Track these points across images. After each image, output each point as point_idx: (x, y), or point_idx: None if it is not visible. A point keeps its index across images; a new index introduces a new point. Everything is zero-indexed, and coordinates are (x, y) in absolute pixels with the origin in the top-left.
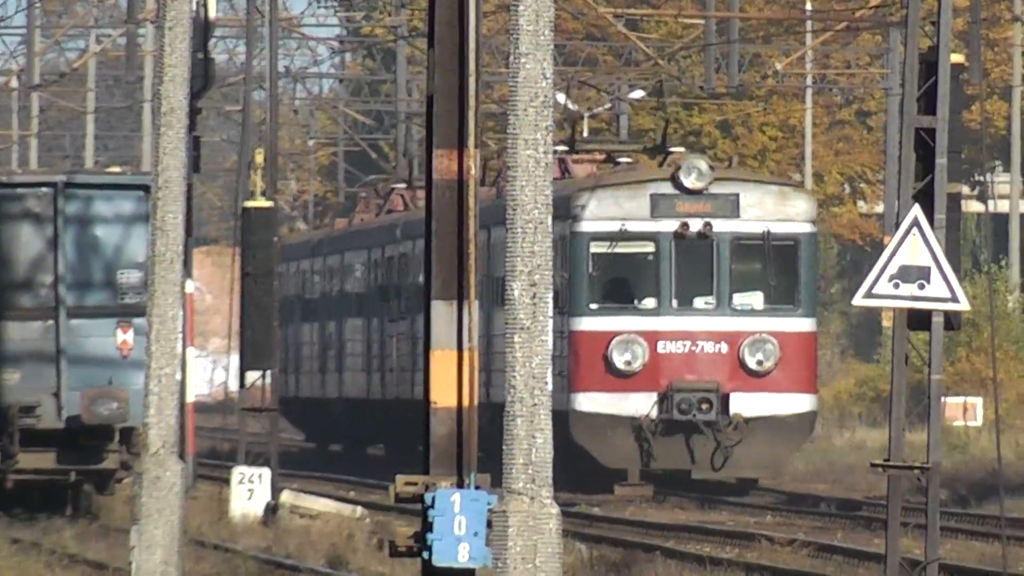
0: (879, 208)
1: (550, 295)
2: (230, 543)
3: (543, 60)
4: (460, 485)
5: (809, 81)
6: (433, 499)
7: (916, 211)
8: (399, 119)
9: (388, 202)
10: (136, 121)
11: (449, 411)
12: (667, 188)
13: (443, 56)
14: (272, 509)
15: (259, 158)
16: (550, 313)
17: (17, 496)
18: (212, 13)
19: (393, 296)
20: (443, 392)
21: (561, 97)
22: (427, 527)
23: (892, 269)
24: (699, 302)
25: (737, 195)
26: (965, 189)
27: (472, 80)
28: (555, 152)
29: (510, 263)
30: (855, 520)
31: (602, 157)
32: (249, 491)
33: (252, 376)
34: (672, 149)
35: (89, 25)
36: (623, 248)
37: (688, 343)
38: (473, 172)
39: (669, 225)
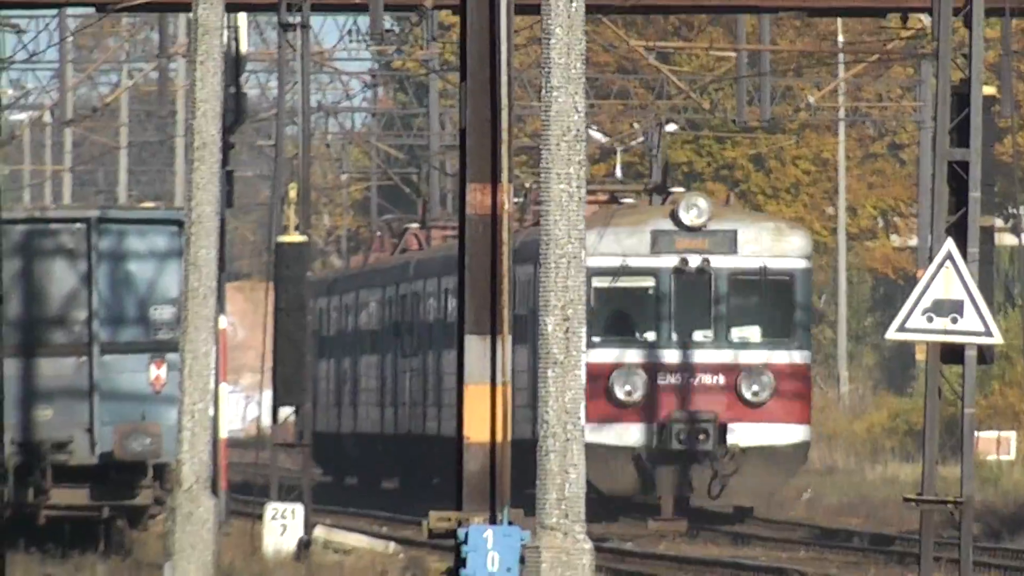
0: (912, 242)
1: (583, 330)
2: None
3: (575, 93)
4: (493, 521)
5: (842, 114)
6: (466, 535)
7: (949, 244)
8: (431, 153)
9: (402, 241)
10: (169, 156)
11: (482, 446)
12: (667, 225)
13: (475, 90)
14: (305, 544)
15: (292, 193)
16: (583, 347)
17: (50, 532)
18: (244, 47)
19: (406, 333)
20: (476, 427)
21: (595, 133)
22: (460, 563)
23: (925, 303)
24: (698, 335)
25: (735, 231)
26: (998, 222)
27: (504, 114)
28: None
29: (543, 297)
30: (888, 555)
31: (605, 197)
32: (282, 527)
33: (284, 411)
34: (672, 189)
35: (121, 60)
36: (624, 283)
37: (687, 375)
38: (506, 206)
39: (669, 261)
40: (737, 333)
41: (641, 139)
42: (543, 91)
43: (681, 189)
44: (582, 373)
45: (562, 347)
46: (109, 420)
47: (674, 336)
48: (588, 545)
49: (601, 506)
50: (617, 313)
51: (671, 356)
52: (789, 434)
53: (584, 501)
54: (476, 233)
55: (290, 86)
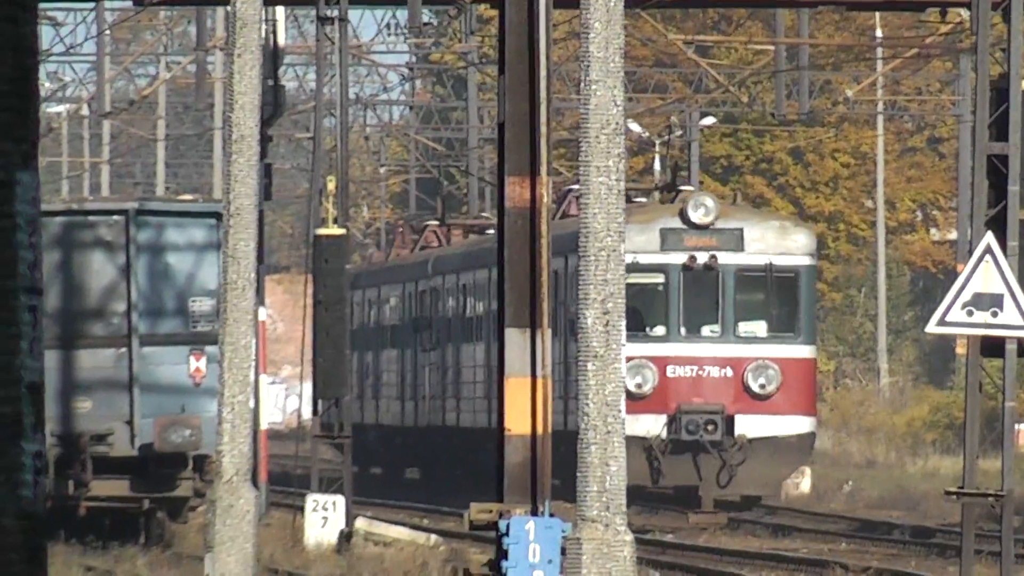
0: (952, 235)
1: (623, 323)
2: (304, 571)
3: (613, 87)
4: (534, 513)
5: (880, 108)
6: (508, 527)
7: (989, 238)
8: (469, 147)
9: (422, 237)
10: (206, 148)
11: (523, 438)
12: (676, 223)
13: (514, 83)
14: (346, 537)
15: (330, 185)
16: (623, 341)
17: (90, 524)
18: (281, 40)
19: (425, 328)
20: (517, 419)
21: (634, 126)
22: (502, 555)
23: (965, 297)
24: (706, 330)
25: (741, 229)
26: None
27: (543, 107)
28: (572, 191)
29: (583, 291)
30: (929, 548)
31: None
32: (323, 519)
33: (324, 403)
34: (682, 188)
35: (159, 53)
36: (635, 279)
37: (695, 368)
38: (545, 200)
39: (678, 258)
40: (744, 328)
41: (679, 133)
42: (582, 85)
43: (690, 188)
44: (622, 366)
45: (602, 340)
46: (149, 412)
47: (683, 330)
48: (629, 537)
49: (643, 498)
50: (628, 308)
51: (680, 350)
52: (795, 425)
53: (625, 493)
54: (515, 226)
55: (328, 79)
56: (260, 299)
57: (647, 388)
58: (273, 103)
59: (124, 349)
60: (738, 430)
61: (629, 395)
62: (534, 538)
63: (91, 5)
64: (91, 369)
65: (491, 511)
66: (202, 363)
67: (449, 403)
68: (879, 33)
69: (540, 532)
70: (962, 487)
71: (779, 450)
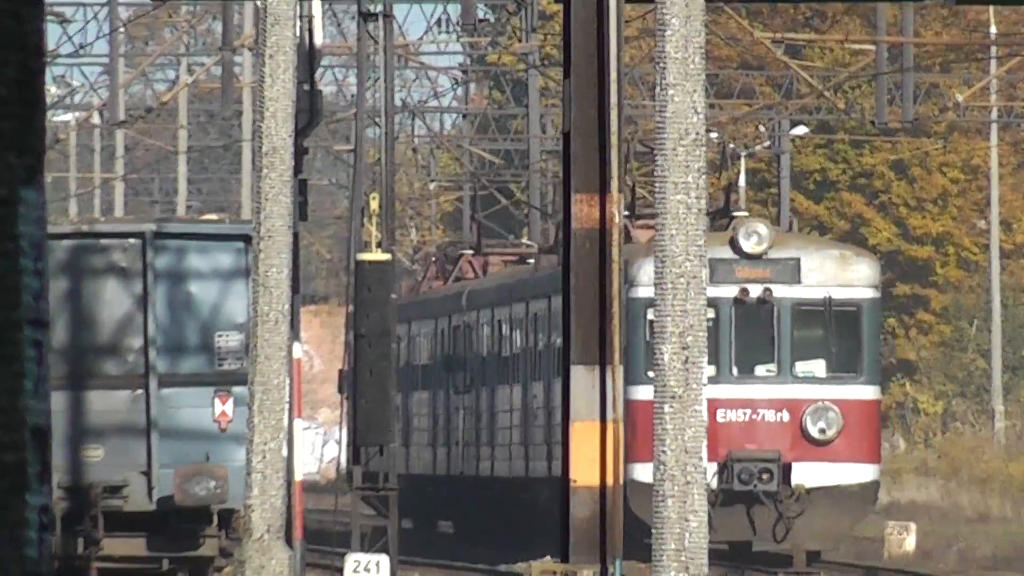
0: None
1: (704, 359)
2: None
3: (693, 92)
4: (604, 573)
5: (994, 115)
6: None
7: None
8: (531, 160)
9: (457, 268)
10: (234, 162)
11: (591, 491)
12: (726, 253)
13: (580, 87)
14: None
15: (373, 204)
16: (704, 380)
17: None
18: (319, 39)
19: (458, 368)
20: (584, 469)
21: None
22: None
23: None
24: (760, 369)
25: (798, 259)
26: None
27: (614, 114)
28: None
29: (659, 323)
30: None
31: None
32: None
33: (367, 451)
34: (736, 213)
35: (179, 53)
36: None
37: (749, 411)
38: (617, 220)
39: (728, 291)
40: (801, 367)
41: (767, 143)
42: (657, 89)
43: (744, 213)
44: (703, 408)
45: (680, 379)
46: (168, 461)
47: (735, 370)
48: None
49: (724, 555)
50: None
51: (732, 391)
52: (857, 474)
53: (707, 552)
54: (582, 250)
55: (371, 83)
56: (295, 333)
57: None
58: (309, 110)
59: (140, 390)
60: (795, 479)
61: None
62: None
63: (103, 0)
64: (103, 412)
65: (555, 571)
66: (229, 406)
67: (483, 450)
68: (993, 29)
69: None
70: None
71: (840, 501)
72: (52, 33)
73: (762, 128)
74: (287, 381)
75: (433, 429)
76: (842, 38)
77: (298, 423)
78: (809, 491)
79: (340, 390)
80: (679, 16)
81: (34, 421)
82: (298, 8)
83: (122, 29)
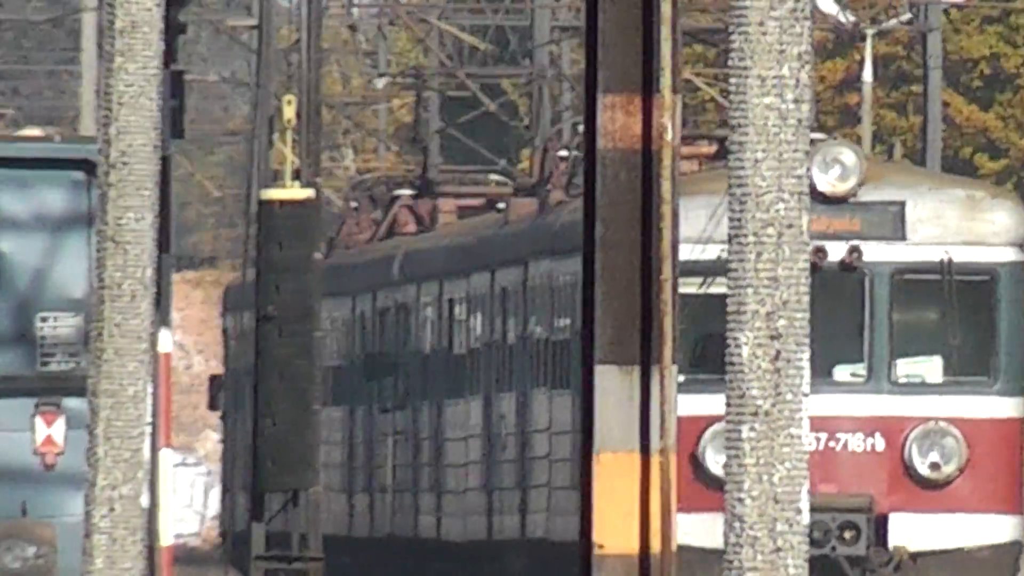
0: None
1: (805, 355)
2: None
3: None
4: None
5: None
6: None
7: None
8: (535, 43)
9: (390, 217)
10: (69, 46)
11: (625, 561)
12: None
13: None
14: None
15: (289, 112)
16: (806, 389)
17: None
18: None
19: (387, 373)
20: (615, 528)
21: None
22: None
23: None
24: (841, 372)
25: (902, 204)
26: None
27: None
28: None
29: (734, 299)
30: None
31: (712, 149)
32: None
33: (275, 500)
34: (814, 136)
35: None
36: (721, 287)
37: (824, 435)
38: (669, 136)
39: None
40: (905, 369)
41: (908, 17)
42: None
43: (821, 136)
44: (804, 432)
45: (769, 386)
46: None
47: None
48: None
49: None
50: (711, 336)
51: None
52: (990, 530)
53: None
54: (614, 182)
55: None
56: (163, 315)
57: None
58: None
59: None
60: (895, 538)
61: (713, 481)
62: None
63: None
64: None
65: None
66: (57, 429)
67: (425, 500)
68: None
69: None
70: None
71: (964, 571)
72: None
73: None
74: (149, 390)
75: (348, 466)
76: None
77: (167, 456)
78: (916, 557)
79: (212, 406)
80: None
81: None
82: None
83: None
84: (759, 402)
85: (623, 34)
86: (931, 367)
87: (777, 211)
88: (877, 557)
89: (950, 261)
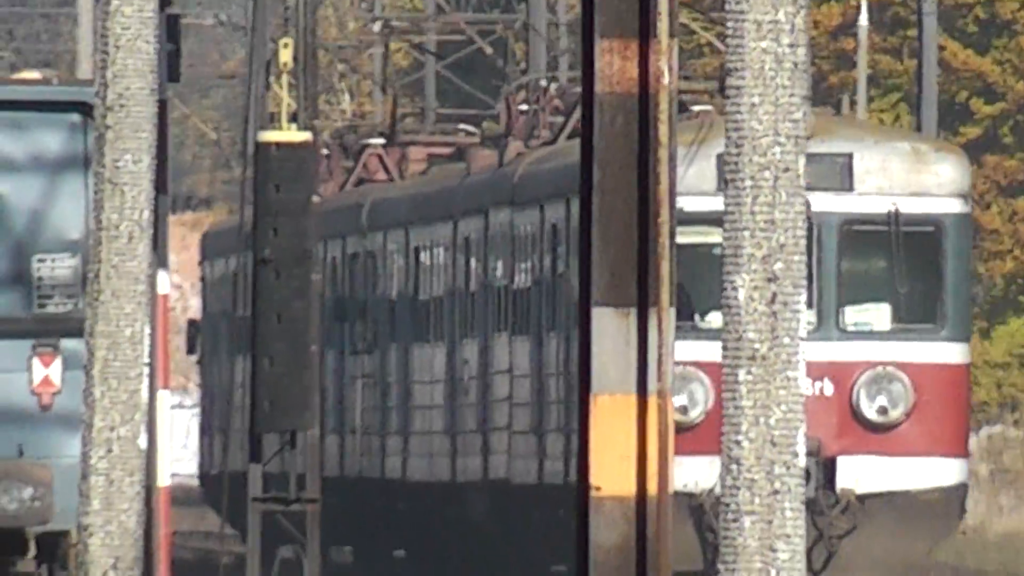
0: None
1: (801, 298)
2: None
3: None
4: None
5: None
6: None
7: None
8: None
9: (359, 165)
10: None
11: (622, 504)
12: None
13: None
14: None
15: (285, 55)
16: (802, 332)
17: None
18: None
19: (354, 318)
20: (613, 470)
21: None
22: None
23: None
24: None
25: (849, 156)
26: None
27: None
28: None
29: (730, 242)
30: None
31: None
32: None
33: (272, 441)
34: None
35: None
36: (678, 237)
37: None
38: (666, 81)
39: None
40: (854, 316)
41: None
42: None
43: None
44: (800, 375)
45: (765, 329)
46: None
47: None
48: None
49: None
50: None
51: None
52: (935, 473)
53: None
54: (611, 128)
55: None
56: (161, 257)
57: (695, 414)
58: None
59: None
60: (842, 482)
61: None
62: None
63: None
64: None
65: None
66: (54, 370)
67: (392, 442)
68: None
69: None
70: None
71: (910, 514)
72: None
73: None
74: (147, 332)
75: (319, 408)
76: None
77: (165, 398)
78: (863, 499)
79: (190, 350)
80: None
81: None
82: None
83: None
84: (756, 345)
85: None
86: (879, 314)
87: (773, 155)
88: (825, 500)
89: (897, 212)
